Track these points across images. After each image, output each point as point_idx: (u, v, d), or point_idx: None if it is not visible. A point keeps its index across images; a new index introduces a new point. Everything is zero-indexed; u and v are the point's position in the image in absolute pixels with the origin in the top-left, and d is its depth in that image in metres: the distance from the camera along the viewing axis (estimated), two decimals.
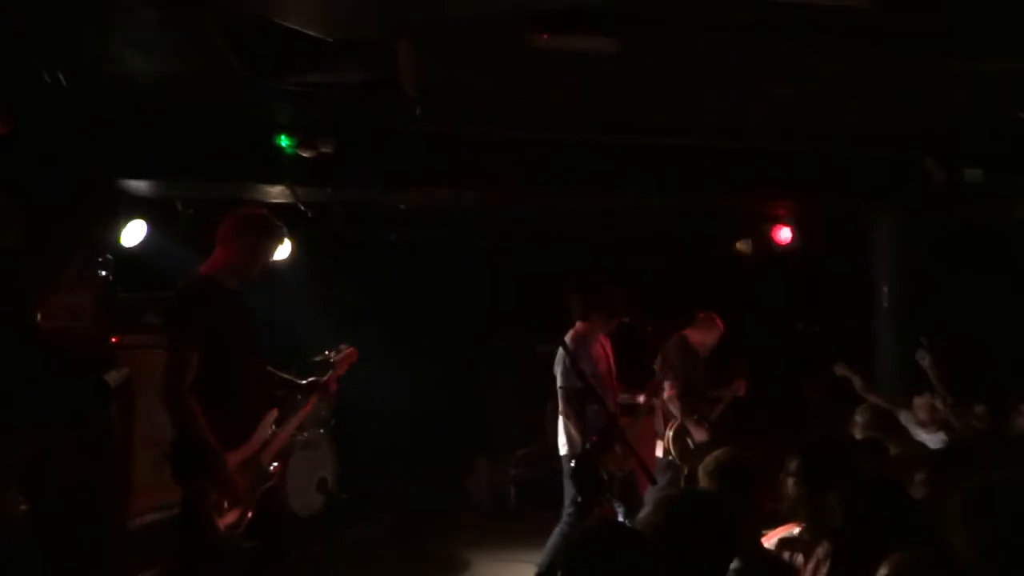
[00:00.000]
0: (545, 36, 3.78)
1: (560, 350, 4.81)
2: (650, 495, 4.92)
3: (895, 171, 6.35)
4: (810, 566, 2.75)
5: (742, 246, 7.81)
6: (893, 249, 6.66)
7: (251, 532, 3.58)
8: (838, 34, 3.87)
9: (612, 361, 5.14)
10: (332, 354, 4.31)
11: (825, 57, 4.24)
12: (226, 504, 3.39)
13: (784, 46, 4.05)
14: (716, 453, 3.16)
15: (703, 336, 6.11)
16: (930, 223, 6.70)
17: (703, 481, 3.09)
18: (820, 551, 2.70)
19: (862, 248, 6.82)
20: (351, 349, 4.31)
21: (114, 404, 4.24)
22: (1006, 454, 4.53)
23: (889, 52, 4.16)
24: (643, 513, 2.30)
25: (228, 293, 3.62)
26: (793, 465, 3.06)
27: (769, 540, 3.21)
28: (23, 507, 4.08)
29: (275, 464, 3.73)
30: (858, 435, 4.19)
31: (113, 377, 4.69)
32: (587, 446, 4.65)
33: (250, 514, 3.49)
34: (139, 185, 5.89)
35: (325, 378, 4.09)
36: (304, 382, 4.09)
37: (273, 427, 3.77)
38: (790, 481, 3.04)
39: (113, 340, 5.10)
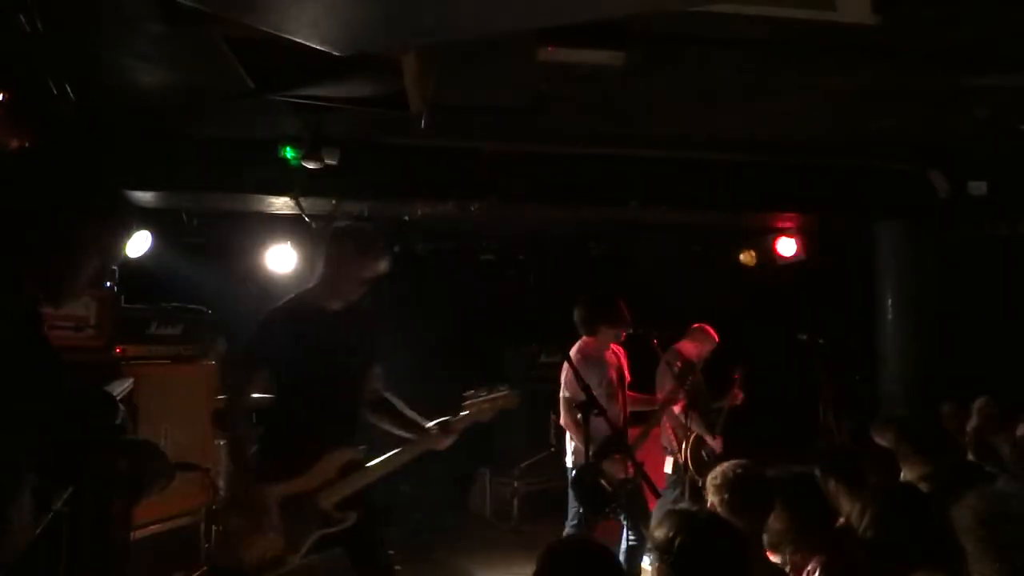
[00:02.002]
0: (551, 48, 3.79)
1: (566, 363, 4.79)
2: (658, 510, 4.89)
3: (901, 184, 6.36)
4: None
5: (746, 257, 7.81)
6: (898, 261, 6.65)
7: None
8: (845, 50, 3.87)
9: (626, 369, 5.12)
10: (478, 393, 3.61)
11: (832, 72, 4.25)
12: (249, 533, 3.06)
13: (792, 62, 4.06)
14: (724, 467, 3.06)
15: (698, 347, 6.07)
16: (936, 235, 6.69)
17: (710, 494, 3.03)
18: (811, 566, 2.67)
19: (867, 260, 6.81)
20: (508, 394, 3.62)
21: (122, 414, 4.20)
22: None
23: (895, 67, 4.17)
24: (655, 528, 2.27)
25: (323, 315, 3.32)
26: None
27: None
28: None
29: (342, 512, 3.22)
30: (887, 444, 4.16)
31: (117, 388, 4.66)
32: (590, 457, 4.58)
33: (292, 555, 3.07)
34: (144, 196, 5.90)
35: (449, 425, 3.54)
36: (429, 425, 3.55)
37: (350, 466, 3.30)
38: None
39: (117, 351, 5.09)
